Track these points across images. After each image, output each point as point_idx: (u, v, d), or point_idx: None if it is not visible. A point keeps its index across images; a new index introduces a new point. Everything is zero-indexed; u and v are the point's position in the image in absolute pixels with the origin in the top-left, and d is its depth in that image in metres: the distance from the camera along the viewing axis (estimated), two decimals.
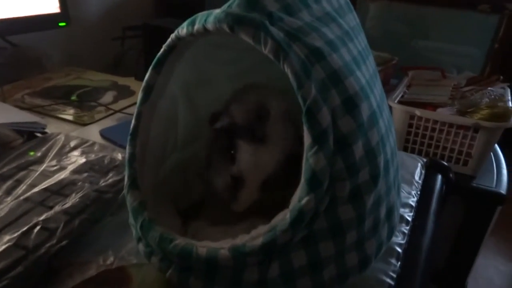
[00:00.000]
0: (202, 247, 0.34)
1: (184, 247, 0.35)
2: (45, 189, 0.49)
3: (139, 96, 0.42)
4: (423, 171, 0.65)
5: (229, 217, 0.42)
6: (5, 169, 0.53)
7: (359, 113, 0.33)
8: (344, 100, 0.33)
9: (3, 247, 0.40)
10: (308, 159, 0.32)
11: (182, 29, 0.37)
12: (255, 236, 0.33)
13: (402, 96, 0.98)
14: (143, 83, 0.42)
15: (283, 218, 0.33)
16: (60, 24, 0.95)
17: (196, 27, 0.36)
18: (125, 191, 0.41)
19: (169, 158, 0.48)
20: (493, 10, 1.52)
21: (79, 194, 0.48)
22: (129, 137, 0.42)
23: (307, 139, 0.32)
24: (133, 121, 0.42)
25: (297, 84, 0.32)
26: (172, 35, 0.39)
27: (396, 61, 1.23)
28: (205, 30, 0.35)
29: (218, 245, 0.34)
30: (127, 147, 0.42)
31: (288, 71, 0.32)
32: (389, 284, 0.42)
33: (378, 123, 0.36)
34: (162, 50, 0.40)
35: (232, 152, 0.41)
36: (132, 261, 0.43)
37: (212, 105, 0.48)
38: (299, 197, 0.32)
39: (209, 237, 0.38)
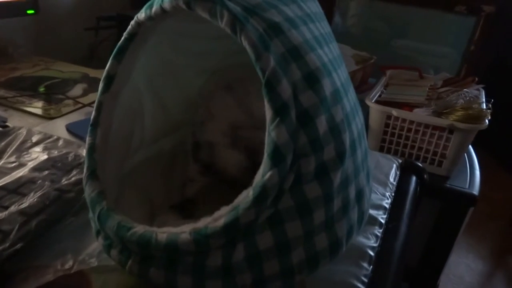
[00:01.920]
0: (162, 233, 0.33)
1: (143, 234, 0.33)
2: (1, 187, 0.46)
3: (100, 85, 0.40)
4: (398, 172, 0.65)
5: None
6: None
7: (321, 88, 0.32)
8: (305, 74, 0.32)
9: None
10: (270, 133, 0.31)
11: (141, 14, 0.36)
12: (217, 218, 0.32)
13: (380, 96, 0.98)
14: (104, 73, 0.40)
15: (246, 196, 0.31)
16: (29, 11, 0.90)
17: (153, 9, 0.35)
18: (83, 181, 0.39)
19: (136, 154, 0.46)
20: (469, 11, 1.54)
21: (38, 193, 0.45)
22: (89, 128, 0.41)
23: (268, 112, 0.31)
24: (93, 112, 0.41)
25: (255, 56, 0.31)
26: (132, 21, 0.37)
27: (374, 60, 1.23)
28: (163, 11, 0.34)
29: (179, 230, 0.32)
30: (87, 138, 0.40)
31: (245, 43, 0.31)
32: None
33: (342, 101, 0.35)
34: (122, 38, 0.38)
35: None
36: (93, 264, 0.41)
37: (181, 98, 0.46)
38: (262, 173, 0.31)
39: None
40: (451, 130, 0.84)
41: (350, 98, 0.38)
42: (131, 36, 0.39)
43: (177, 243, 0.32)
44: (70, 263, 0.41)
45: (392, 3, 1.78)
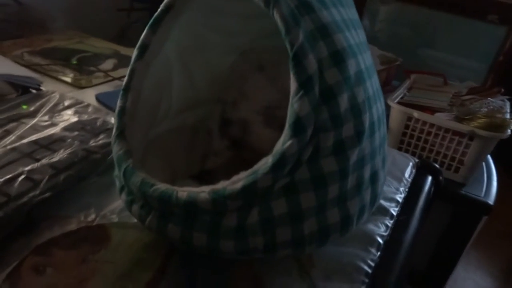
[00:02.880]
0: (183, 191, 0.34)
1: (165, 190, 0.35)
2: (34, 142, 0.48)
3: (133, 53, 0.42)
4: (413, 170, 0.65)
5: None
6: None
7: (346, 67, 0.34)
8: (331, 53, 0.33)
9: None
10: (293, 104, 0.32)
11: None
12: (236, 181, 0.33)
13: (402, 98, 0.98)
14: (139, 42, 0.42)
15: (265, 162, 0.33)
16: None
17: None
18: (112, 141, 0.41)
19: (162, 123, 0.48)
20: (501, 21, 1.51)
21: (68, 151, 0.48)
22: (121, 92, 0.42)
23: (293, 85, 0.32)
24: (126, 77, 0.42)
25: (285, 30, 0.32)
26: None
27: (400, 62, 1.22)
28: None
29: (199, 189, 0.34)
30: (118, 101, 0.42)
31: (277, 17, 0.32)
32: (366, 271, 0.42)
33: (365, 83, 0.36)
34: (159, 9, 0.40)
35: None
36: (113, 220, 0.43)
37: (209, 73, 0.47)
38: (283, 142, 0.32)
39: None
40: (472, 136, 0.84)
41: (374, 83, 0.39)
42: (168, 8, 0.40)
43: (196, 201, 0.33)
44: (93, 216, 0.43)
45: (423, 8, 1.76)
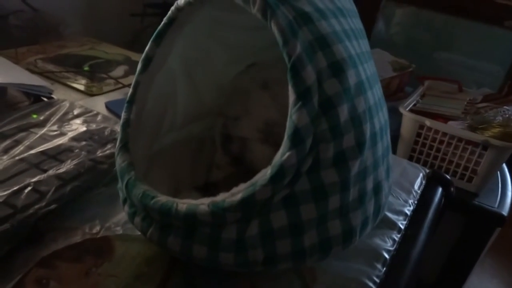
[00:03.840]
0: (183, 203, 0.34)
1: (165, 203, 0.35)
2: (42, 152, 0.49)
3: (138, 66, 0.43)
4: (423, 182, 0.64)
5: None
6: (5, 128, 0.53)
7: (346, 78, 0.33)
8: (330, 64, 0.33)
9: None
10: (292, 116, 0.32)
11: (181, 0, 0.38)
12: (235, 193, 0.33)
13: (415, 105, 0.96)
14: (143, 54, 0.42)
15: (264, 174, 0.32)
16: None
17: None
18: (115, 152, 0.41)
19: (166, 135, 0.49)
20: None
21: (75, 161, 0.48)
22: (126, 104, 0.43)
23: (291, 96, 0.32)
24: (130, 89, 0.43)
25: (283, 41, 0.32)
26: (172, 7, 0.39)
27: (413, 69, 1.21)
28: None
29: (199, 202, 0.34)
30: (123, 113, 0.43)
31: (274, 28, 0.32)
32: None
33: (366, 93, 0.36)
34: (162, 22, 0.40)
35: None
36: (118, 232, 0.43)
37: (214, 85, 0.47)
38: (281, 153, 0.32)
39: None
40: (485, 146, 0.82)
41: (375, 93, 0.39)
42: (170, 21, 0.41)
43: (195, 214, 0.33)
44: (98, 228, 0.43)
45: (440, 14, 1.73)
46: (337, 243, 0.36)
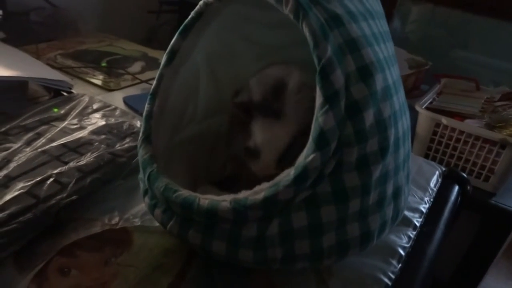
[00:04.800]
0: (205, 199, 0.35)
1: (187, 197, 0.35)
2: (63, 145, 0.50)
3: (163, 58, 0.43)
4: (439, 180, 0.63)
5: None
6: (28, 121, 0.55)
7: (373, 82, 0.33)
8: (359, 67, 0.33)
9: (16, 193, 0.41)
10: (318, 118, 0.32)
11: None
12: (258, 191, 0.34)
13: (431, 103, 0.95)
14: (168, 47, 0.43)
15: (287, 174, 0.33)
16: None
17: None
18: (138, 144, 0.42)
19: (186, 128, 0.49)
20: None
21: (94, 154, 0.49)
22: (149, 96, 0.43)
23: (318, 98, 0.32)
24: (154, 82, 0.43)
25: (314, 43, 0.32)
26: (201, 2, 0.40)
27: (429, 67, 1.19)
28: None
29: (221, 198, 0.35)
30: (146, 105, 0.43)
31: (306, 30, 0.32)
32: (386, 284, 0.42)
33: (392, 98, 0.36)
34: (190, 16, 0.41)
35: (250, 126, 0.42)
36: (136, 224, 0.44)
37: (235, 81, 0.48)
38: (305, 155, 0.32)
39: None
40: (503, 145, 0.81)
41: (400, 98, 0.39)
42: (198, 15, 0.41)
43: (217, 210, 0.34)
44: (116, 219, 0.44)
45: (457, 10, 1.70)
46: (354, 245, 0.36)
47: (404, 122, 0.39)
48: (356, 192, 0.34)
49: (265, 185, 0.34)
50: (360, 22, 0.35)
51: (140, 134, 0.42)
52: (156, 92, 0.43)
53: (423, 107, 0.90)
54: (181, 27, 0.42)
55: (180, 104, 0.47)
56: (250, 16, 0.45)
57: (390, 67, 0.37)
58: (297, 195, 0.33)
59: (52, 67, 0.79)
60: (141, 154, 0.41)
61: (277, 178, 0.34)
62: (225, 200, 0.34)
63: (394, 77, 0.38)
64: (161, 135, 0.43)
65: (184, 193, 0.36)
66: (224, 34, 0.46)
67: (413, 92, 1.13)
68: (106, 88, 0.76)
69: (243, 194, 0.34)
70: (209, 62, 0.48)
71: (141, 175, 0.41)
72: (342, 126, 0.32)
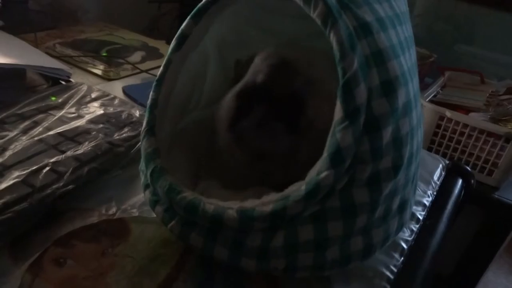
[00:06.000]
0: (210, 203, 0.34)
1: (192, 200, 0.34)
2: (60, 134, 0.49)
3: (171, 44, 0.41)
4: (443, 173, 0.62)
5: (239, 181, 0.42)
6: (25, 109, 0.54)
7: (396, 98, 0.32)
8: (383, 82, 0.31)
9: (11, 182, 0.41)
10: (336, 134, 0.31)
11: None
12: (266, 202, 0.33)
13: (435, 96, 0.94)
14: (178, 32, 0.41)
15: (298, 189, 0.32)
16: None
17: None
18: (141, 136, 0.40)
19: (190, 114, 0.48)
20: None
21: (92, 143, 0.48)
22: (154, 83, 0.42)
23: (338, 113, 0.31)
24: (161, 68, 0.42)
25: (340, 55, 0.30)
26: None
27: (434, 59, 1.18)
28: None
29: (226, 205, 0.34)
30: (151, 93, 0.41)
31: (333, 39, 0.31)
32: (388, 277, 0.41)
33: (411, 113, 0.34)
34: (204, 0, 0.39)
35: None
36: (134, 214, 0.43)
37: None
38: (318, 171, 0.31)
39: (217, 197, 0.37)
40: (508, 139, 0.80)
41: (418, 109, 0.37)
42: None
43: (222, 218, 0.33)
44: (114, 210, 0.43)
45: (463, 4, 1.68)
46: (356, 257, 0.36)
47: (419, 135, 0.38)
48: (364, 208, 0.33)
49: (273, 196, 0.33)
50: (388, 30, 0.33)
51: (144, 124, 0.41)
52: (163, 78, 0.41)
53: (427, 100, 0.89)
54: (194, 11, 0.40)
55: (186, 91, 0.45)
56: (267, 5, 0.44)
57: (413, 77, 0.36)
58: (306, 209, 0.32)
59: (51, 55, 0.78)
60: (144, 147, 0.39)
61: (287, 191, 0.33)
62: (231, 207, 0.33)
63: (415, 88, 0.36)
64: (166, 123, 0.42)
65: (188, 195, 0.35)
66: (239, 21, 0.45)
67: None
68: (105, 77, 0.75)
69: (250, 203, 0.33)
70: (220, 48, 0.47)
71: (142, 166, 0.40)
72: (359, 142, 0.31)
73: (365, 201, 0.33)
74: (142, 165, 0.40)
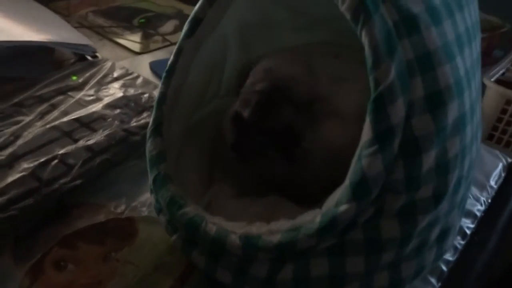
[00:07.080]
0: (213, 223, 0.30)
1: (193, 218, 0.31)
2: (75, 119, 0.47)
3: (183, 29, 0.36)
4: (503, 174, 0.54)
5: (254, 187, 0.38)
6: (44, 90, 0.52)
7: (444, 114, 0.25)
8: (429, 94, 0.25)
9: (19, 175, 0.39)
10: (361, 159, 0.25)
11: None
12: (274, 231, 0.28)
13: (503, 74, 0.82)
14: (191, 15, 0.36)
15: (311, 220, 0.27)
16: None
17: None
18: (147, 135, 0.37)
19: (209, 104, 0.44)
20: None
21: (106, 132, 0.46)
22: (164, 75, 0.37)
23: (366, 133, 0.25)
24: (171, 57, 0.37)
25: (373, 61, 0.24)
26: None
27: (506, 29, 1.02)
28: None
29: (230, 227, 0.30)
30: (160, 86, 0.37)
31: (365, 40, 0.24)
32: None
33: (465, 129, 0.27)
34: None
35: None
36: (143, 213, 0.41)
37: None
38: (337, 201, 0.26)
39: (225, 209, 0.34)
40: None
41: (475, 119, 0.30)
42: None
43: (224, 242, 0.29)
44: (123, 207, 0.41)
45: None
46: None
47: (474, 150, 0.30)
48: (393, 244, 0.28)
49: (284, 224, 0.28)
50: (443, 22, 0.26)
51: (150, 123, 0.37)
52: (173, 69, 0.37)
53: (492, 79, 0.77)
54: None
55: (201, 82, 0.41)
56: None
57: (471, 81, 0.28)
58: (319, 244, 0.27)
59: (82, 25, 0.75)
60: (149, 149, 0.35)
61: (299, 220, 0.28)
62: (234, 232, 0.29)
63: (474, 94, 0.29)
64: (175, 122, 0.38)
65: (190, 211, 0.31)
66: (261, 2, 0.39)
67: (483, 60, 0.98)
68: (134, 50, 0.71)
69: (257, 229, 0.29)
70: (241, 32, 0.41)
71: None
72: (391, 169, 0.25)
73: (395, 235, 0.27)
74: (148, 170, 0.37)
